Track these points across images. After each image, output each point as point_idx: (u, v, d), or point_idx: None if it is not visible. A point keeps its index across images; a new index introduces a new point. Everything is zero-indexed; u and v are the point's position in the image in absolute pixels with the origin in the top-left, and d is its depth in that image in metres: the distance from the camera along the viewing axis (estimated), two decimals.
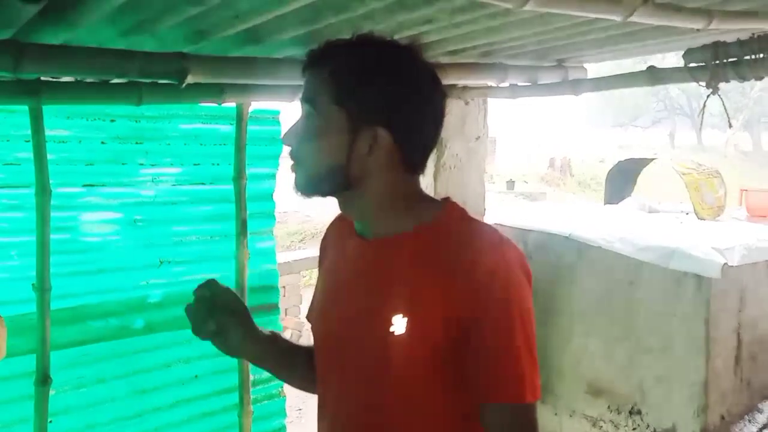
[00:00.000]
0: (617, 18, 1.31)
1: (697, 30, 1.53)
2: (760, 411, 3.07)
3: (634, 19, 1.31)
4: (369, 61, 1.02)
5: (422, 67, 1.05)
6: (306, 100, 1.04)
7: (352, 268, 1.10)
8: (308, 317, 1.25)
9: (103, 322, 2.34)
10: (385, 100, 1.01)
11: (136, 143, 2.36)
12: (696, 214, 3.46)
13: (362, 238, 1.09)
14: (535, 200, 13.66)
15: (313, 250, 6.02)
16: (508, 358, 0.95)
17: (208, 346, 2.67)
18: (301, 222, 9.96)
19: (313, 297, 1.25)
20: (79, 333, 2.29)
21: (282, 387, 2.80)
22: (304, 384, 1.27)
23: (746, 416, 2.98)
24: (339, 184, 1.04)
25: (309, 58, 1.05)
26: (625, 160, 4.17)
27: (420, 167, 1.07)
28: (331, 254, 1.19)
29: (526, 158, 21.96)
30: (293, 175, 1.07)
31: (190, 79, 1.66)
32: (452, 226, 1.03)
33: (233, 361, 2.58)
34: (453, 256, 0.98)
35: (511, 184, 16.18)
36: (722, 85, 2.12)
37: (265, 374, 2.72)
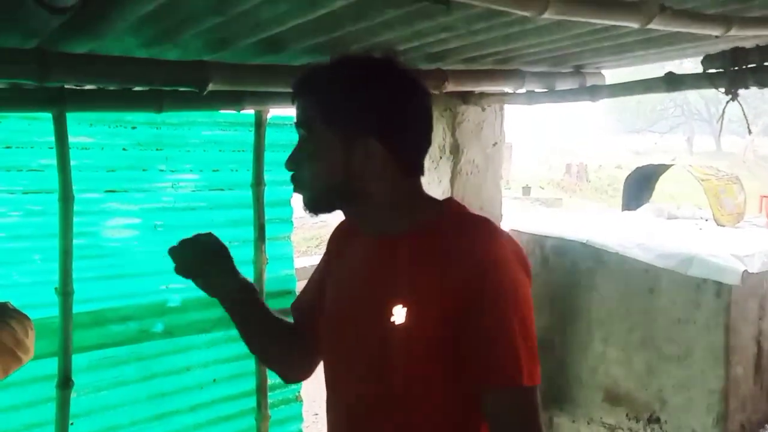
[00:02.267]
0: (635, 25, 1.32)
1: (716, 36, 1.53)
2: None
3: (652, 26, 1.32)
4: (348, 79, 1.08)
5: (400, 74, 1.10)
6: (299, 125, 1.10)
7: (358, 265, 1.15)
8: (293, 306, 1.33)
9: (124, 325, 2.37)
10: (370, 112, 1.06)
11: (157, 150, 2.39)
12: (715, 220, 3.43)
13: (368, 237, 1.15)
14: (551, 206, 13.59)
15: (315, 258, 6.01)
16: (503, 343, 0.99)
17: (225, 350, 2.70)
18: (317, 227, 9.99)
19: (305, 289, 1.32)
20: (100, 336, 2.31)
21: (299, 392, 2.82)
22: (265, 351, 1.34)
23: (766, 425, 2.95)
24: (343, 199, 1.10)
25: (294, 87, 1.11)
26: (643, 166, 4.14)
27: (417, 168, 1.12)
28: (340, 253, 1.24)
29: (542, 164, 21.88)
30: (301, 197, 1.13)
31: (211, 87, 1.69)
32: (451, 222, 1.08)
33: (251, 366, 2.61)
34: (450, 247, 1.03)
35: (527, 190, 16.12)
36: (741, 91, 2.11)
37: None
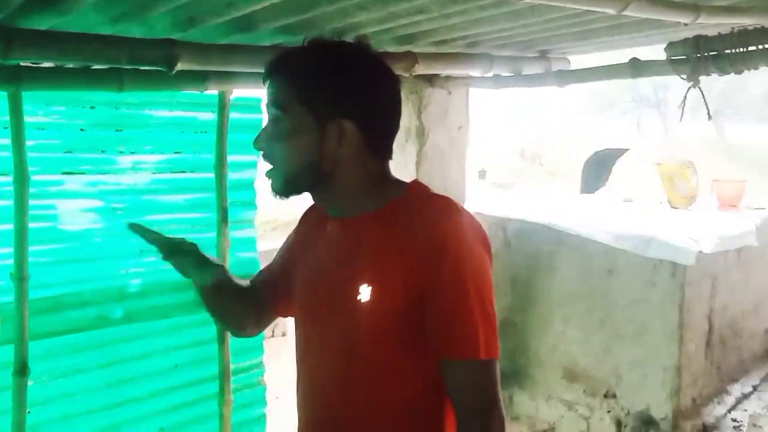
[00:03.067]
0: (612, 11, 1.33)
1: (685, 24, 1.56)
2: (729, 393, 3.16)
3: (627, 12, 1.34)
4: (323, 61, 1.09)
5: (373, 59, 1.12)
6: (272, 104, 1.11)
7: (326, 247, 1.18)
8: (253, 279, 1.35)
9: (82, 311, 2.30)
10: (345, 94, 1.08)
11: (116, 131, 2.32)
12: (669, 203, 3.53)
13: (334, 219, 1.17)
14: (507, 189, 13.76)
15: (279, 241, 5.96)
16: (462, 317, 1.03)
17: (187, 336, 2.65)
18: (274, 211, 9.88)
19: (266, 268, 1.36)
20: (58, 323, 2.25)
21: (262, 376, 2.80)
22: (226, 312, 1.36)
23: (716, 398, 3.07)
24: (314, 180, 1.11)
25: (268, 67, 1.12)
26: (601, 150, 4.23)
27: (386, 152, 1.15)
28: (309, 235, 1.26)
29: (497, 148, 22.11)
30: (269, 179, 1.13)
31: (179, 66, 1.64)
32: (414, 202, 1.11)
33: (213, 351, 2.57)
34: (411, 227, 1.06)
35: (483, 173, 16.25)
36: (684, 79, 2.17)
37: (245, 363, 2.72)
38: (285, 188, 1.12)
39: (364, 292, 1.05)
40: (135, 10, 1.49)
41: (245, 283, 1.35)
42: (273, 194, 1.13)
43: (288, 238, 1.35)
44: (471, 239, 1.06)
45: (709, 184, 3.75)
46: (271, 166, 1.13)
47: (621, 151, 4.01)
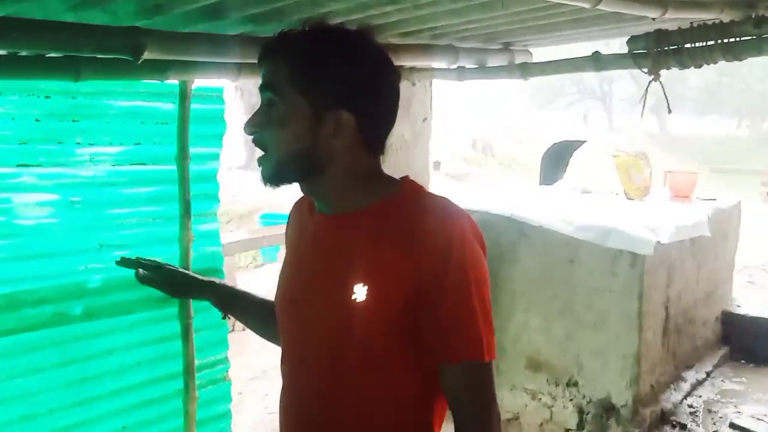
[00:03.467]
0: (586, 5, 1.34)
1: (653, 19, 1.59)
2: (684, 380, 3.28)
3: (601, 6, 1.35)
4: (326, 47, 1.07)
5: (376, 50, 1.11)
6: (267, 88, 1.08)
7: (313, 242, 1.16)
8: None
9: (39, 309, 2.21)
10: (346, 84, 1.06)
11: (73, 121, 2.22)
12: (625, 194, 3.62)
13: (322, 215, 1.14)
14: (461, 180, 13.89)
15: (243, 233, 5.93)
16: (466, 320, 1.03)
17: (149, 332, 2.60)
18: (228, 203, 9.76)
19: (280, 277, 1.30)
20: (14, 321, 2.16)
21: (227, 371, 2.75)
22: (259, 324, 1.41)
23: (672, 385, 3.17)
24: (306, 169, 1.09)
25: (265, 47, 1.09)
26: (558, 142, 4.30)
27: (380, 147, 1.14)
28: (295, 232, 1.24)
29: (449, 139, 22.29)
30: (260, 166, 1.10)
31: (146, 56, 1.59)
32: (410, 200, 1.09)
33: (177, 347, 2.52)
34: (411, 227, 1.05)
35: (437, 164, 16.37)
36: (633, 71, 2.22)
37: (210, 359, 2.68)
38: (275, 176, 1.09)
39: (359, 292, 1.03)
40: None
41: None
42: (263, 182, 1.10)
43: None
44: (473, 242, 1.05)
45: (661, 176, 3.86)
46: (262, 152, 1.09)
47: (578, 143, 4.10)
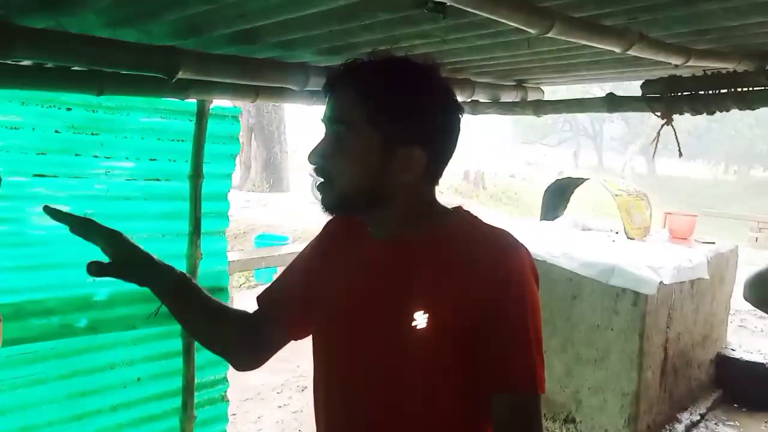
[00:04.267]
0: (617, 49, 1.38)
1: (675, 66, 1.64)
2: (679, 421, 3.28)
3: (631, 51, 1.39)
4: (400, 80, 1.05)
5: (445, 85, 1.09)
6: (336, 121, 1.05)
7: (366, 267, 1.12)
8: (262, 298, 1.28)
9: (45, 319, 2.22)
10: (421, 120, 1.04)
11: (92, 134, 2.25)
12: (626, 233, 3.66)
13: (378, 240, 1.12)
14: None
15: (238, 254, 5.91)
16: (523, 351, 1.02)
17: (152, 348, 2.58)
18: None
19: (280, 284, 1.28)
20: (20, 330, 2.15)
21: (226, 391, 2.74)
22: (204, 336, 1.31)
23: (667, 426, 3.18)
24: (370, 202, 1.07)
25: (335, 78, 1.06)
26: (561, 178, 4.35)
27: (440, 178, 1.12)
28: (339, 253, 1.20)
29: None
30: (322, 194, 1.08)
31: (180, 75, 1.61)
32: (468, 229, 1.09)
33: (178, 365, 2.51)
34: (471, 256, 1.04)
35: None
36: (625, 113, 2.27)
37: (210, 378, 2.66)
38: (338, 206, 1.08)
39: (419, 320, 1.02)
40: (139, 15, 1.46)
41: (235, 310, 1.30)
42: (323, 209, 1.09)
43: (303, 255, 1.27)
44: (530, 275, 1.05)
45: (661, 217, 3.91)
46: (323, 180, 1.07)
47: (580, 181, 4.15)
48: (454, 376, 1.04)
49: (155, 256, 1.23)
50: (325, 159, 1.06)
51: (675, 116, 2.18)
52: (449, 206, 1.15)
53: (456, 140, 1.11)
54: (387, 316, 1.06)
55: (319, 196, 1.08)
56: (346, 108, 1.04)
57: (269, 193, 13.32)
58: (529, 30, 1.17)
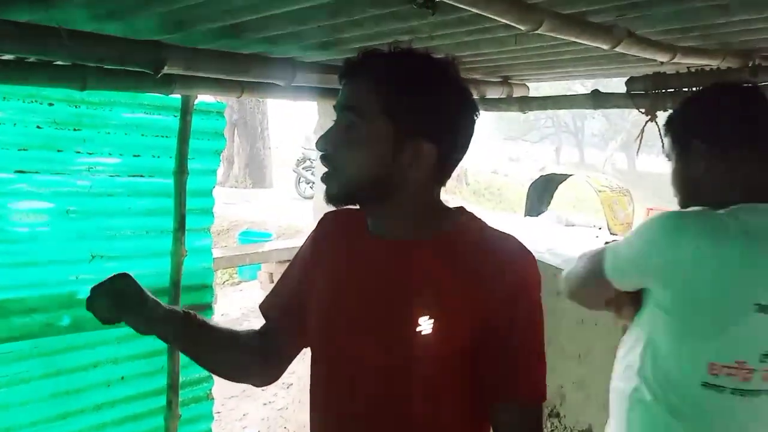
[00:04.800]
0: (605, 46, 1.39)
1: (661, 63, 1.65)
2: None
3: (619, 49, 1.40)
4: (418, 75, 1.02)
5: (461, 83, 1.06)
6: (349, 108, 1.03)
7: (368, 267, 1.09)
8: (267, 306, 1.24)
9: (28, 318, 2.19)
10: (434, 115, 1.02)
11: (74, 130, 2.23)
12: (609, 228, 3.69)
13: (380, 239, 1.08)
14: None
15: (222, 250, 5.88)
16: (532, 360, 1.03)
17: (136, 346, 2.56)
18: None
19: (281, 288, 1.23)
20: (2, 329, 2.14)
21: (210, 389, 2.73)
22: (225, 368, 1.26)
23: None
24: (375, 195, 1.04)
25: (350, 65, 1.03)
26: (545, 174, 4.38)
27: (448, 178, 1.10)
28: (336, 251, 1.16)
29: None
30: (326, 183, 1.05)
31: (165, 70, 1.59)
32: (474, 232, 1.06)
33: (162, 363, 2.49)
34: (480, 261, 1.01)
35: None
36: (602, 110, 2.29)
37: (195, 376, 2.65)
38: (343, 197, 1.04)
39: (425, 323, 0.99)
40: (124, 9, 1.44)
41: (242, 332, 1.25)
42: (326, 199, 1.05)
43: (299, 256, 1.23)
44: (538, 281, 1.04)
45: (644, 212, 3.95)
46: (329, 170, 1.04)
47: (564, 177, 4.18)
48: (457, 381, 1.02)
49: (159, 303, 1.16)
50: (334, 147, 1.04)
51: (659, 113, 2.20)
52: (452, 207, 1.12)
53: (468, 140, 1.08)
54: (390, 320, 1.03)
55: (324, 186, 1.05)
56: (359, 96, 1.02)
57: (252, 189, 13.26)
58: (520, 27, 1.18)
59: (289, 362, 1.26)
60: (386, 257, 1.06)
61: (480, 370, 1.01)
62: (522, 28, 1.18)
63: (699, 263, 1.17)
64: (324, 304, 1.12)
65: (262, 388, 4.12)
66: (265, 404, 3.81)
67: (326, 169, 1.05)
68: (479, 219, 1.10)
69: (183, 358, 2.51)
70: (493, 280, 0.99)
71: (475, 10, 1.15)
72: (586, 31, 1.32)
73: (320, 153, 1.05)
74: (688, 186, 1.35)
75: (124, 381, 2.45)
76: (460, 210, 1.11)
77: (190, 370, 2.59)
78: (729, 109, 1.28)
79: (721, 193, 1.25)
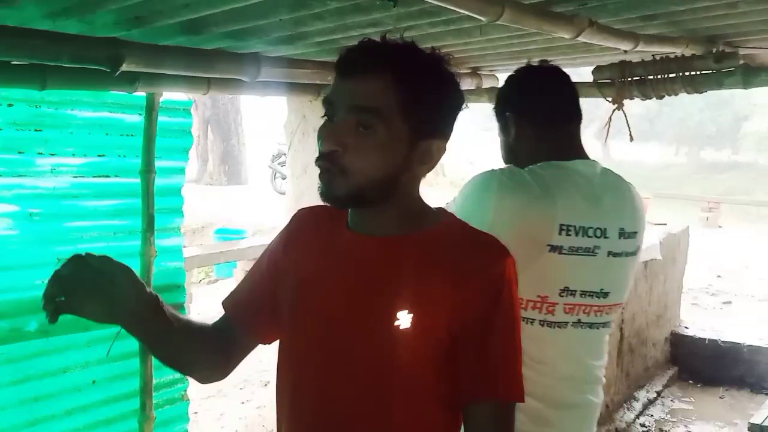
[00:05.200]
0: (567, 36, 1.39)
1: (625, 51, 1.65)
2: (636, 399, 3.36)
3: (581, 38, 1.40)
4: (431, 71, 0.98)
5: (457, 78, 1.04)
6: (365, 109, 0.95)
7: (347, 262, 1.06)
8: (230, 302, 1.21)
9: None
10: (444, 113, 1.00)
11: (35, 130, 2.17)
12: None
13: (359, 235, 1.06)
14: None
15: (197, 249, 5.82)
16: (511, 359, 1.01)
17: (107, 350, 2.52)
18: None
19: (247, 284, 1.21)
20: None
21: (185, 390, 2.69)
22: (177, 356, 1.20)
23: (625, 404, 3.25)
24: (383, 196, 1.00)
25: (357, 59, 0.96)
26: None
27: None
28: (313, 247, 1.12)
29: None
30: (327, 183, 0.99)
31: (124, 67, 1.56)
32: (455, 231, 1.05)
33: (134, 365, 2.45)
34: (461, 260, 1.00)
35: None
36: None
37: (168, 377, 2.61)
38: (350, 199, 0.99)
39: (404, 319, 0.97)
40: (79, 6, 1.41)
41: (200, 323, 1.21)
42: (326, 199, 1.00)
43: (269, 251, 1.19)
44: (516, 282, 1.02)
45: None
46: (334, 170, 0.98)
47: None
48: (433, 378, 1.01)
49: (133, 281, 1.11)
50: (344, 147, 0.96)
51: (626, 101, 2.21)
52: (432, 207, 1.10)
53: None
54: (368, 315, 1.01)
55: (324, 186, 1.00)
56: (377, 94, 0.94)
57: (227, 186, 13.15)
58: (480, 17, 1.17)
59: (240, 360, 1.22)
60: (367, 254, 1.04)
61: (457, 367, 1.00)
62: (483, 18, 1.17)
63: (500, 211, 1.38)
64: (299, 298, 1.10)
65: (239, 387, 4.13)
66: (242, 403, 3.80)
67: (328, 168, 0.98)
68: (459, 220, 1.09)
69: (156, 360, 2.48)
70: (472, 277, 0.98)
71: (435, 2, 1.14)
72: (547, 21, 1.31)
73: (324, 151, 0.98)
74: (507, 151, 1.60)
75: (96, 385, 2.41)
76: (440, 209, 1.10)
77: (163, 371, 2.55)
78: (535, 86, 1.52)
79: (531, 155, 1.47)
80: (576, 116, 1.51)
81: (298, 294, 1.10)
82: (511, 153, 1.58)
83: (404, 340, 0.98)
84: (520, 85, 1.54)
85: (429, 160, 1.00)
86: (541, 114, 1.48)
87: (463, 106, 1.03)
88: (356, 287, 1.04)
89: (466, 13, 1.16)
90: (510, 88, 1.57)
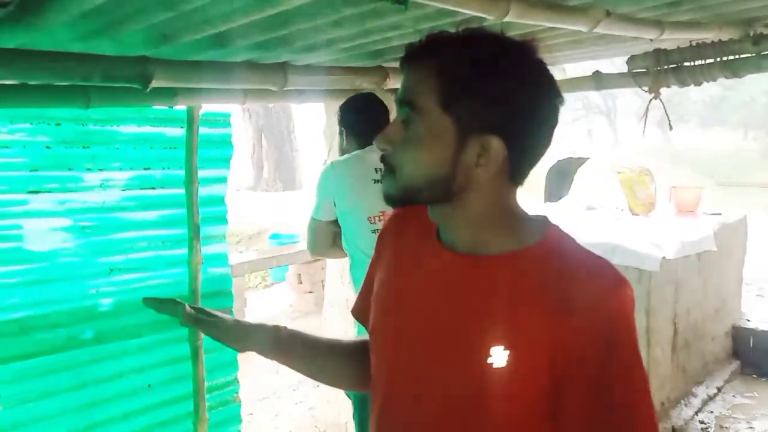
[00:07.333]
0: (583, 29, 1.37)
1: (650, 40, 1.61)
2: (695, 395, 3.25)
3: (598, 30, 1.38)
4: (483, 59, 0.88)
5: (540, 68, 0.91)
6: (406, 102, 0.91)
7: (436, 280, 0.97)
8: (353, 312, 1.20)
9: (51, 333, 2.25)
10: (501, 105, 0.88)
11: (83, 147, 2.28)
12: (630, 210, 3.62)
13: (450, 250, 0.96)
14: None
15: (253, 254, 5.95)
16: (644, 410, 0.86)
17: (160, 354, 2.62)
18: (237, 224, 9.80)
19: (364, 292, 1.16)
20: (26, 346, 2.19)
21: (237, 393, 2.77)
22: (323, 375, 1.22)
23: (682, 401, 3.14)
24: (439, 196, 0.92)
25: (411, 52, 0.91)
26: (562, 159, 4.31)
27: (524, 178, 0.95)
28: (399, 254, 1.06)
29: None
30: (384, 183, 0.96)
31: (154, 84, 1.62)
32: (560, 253, 0.91)
33: (187, 369, 2.54)
34: (568, 288, 0.86)
35: None
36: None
37: (220, 380, 2.70)
38: (401, 198, 0.94)
39: (497, 356, 0.86)
40: (107, 27, 1.47)
41: (345, 341, 1.21)
42: (386, 200, 0.96)
43: (373, 257, 1.14)
44: (634, 317, 0.88)
45: (666, 191, 3.86)
46: (387, 169, 0.94)
47: (582, 160, 4.10)
48: (532, 425, 0.88)
49: (244, 322, 1.16)
50: (391, 144, 0.93)
51: (684, 88, 2.15)
52: (534, 216, 0.97)
53: (548, 133, 0.93)
54: (459, 346, 0.91)
55: (382, 186, 0.96)
56: (416, 90, 0.90)
57: (283, 191, 13.38)
58: (485, 16, 1.16)
59: None
60: (456, 273, 0.95)
61: (571, 417, 0.86)
62: (489, 17, 1.17)
63: (339, 188, 2.23)
64: (385, 311, 1.04)
65: (293, 388, 4.20)
66: (296, 404, 3.86)
67: (383, 169, 0.95)
68: (566, 234, 0.95)
69: (208, 363, 2.57)
70: (583, 313, 0.83)
71: (437, 4, 1.14)
72: (558, 15, 1.29)
73: (380, 152, 0.95)
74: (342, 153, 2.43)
75: (150, 389, 2.51)
76: (545, 222, 0.96)
77: (215, 374, 2.63)
78: (352, 108, 2.39)
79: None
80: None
81: (386, 306, 1.05)
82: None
83: (497, 380, 0.86)
84: (346, 107, 2.40)
85: (488, 161, 0.88)
86: (357, 127, 2.36)
87: (543, 97, 0.90)
88: (443, 311, 0.94)
89: (470, 13, 1.16)
90: (342, 109, 2.42)
